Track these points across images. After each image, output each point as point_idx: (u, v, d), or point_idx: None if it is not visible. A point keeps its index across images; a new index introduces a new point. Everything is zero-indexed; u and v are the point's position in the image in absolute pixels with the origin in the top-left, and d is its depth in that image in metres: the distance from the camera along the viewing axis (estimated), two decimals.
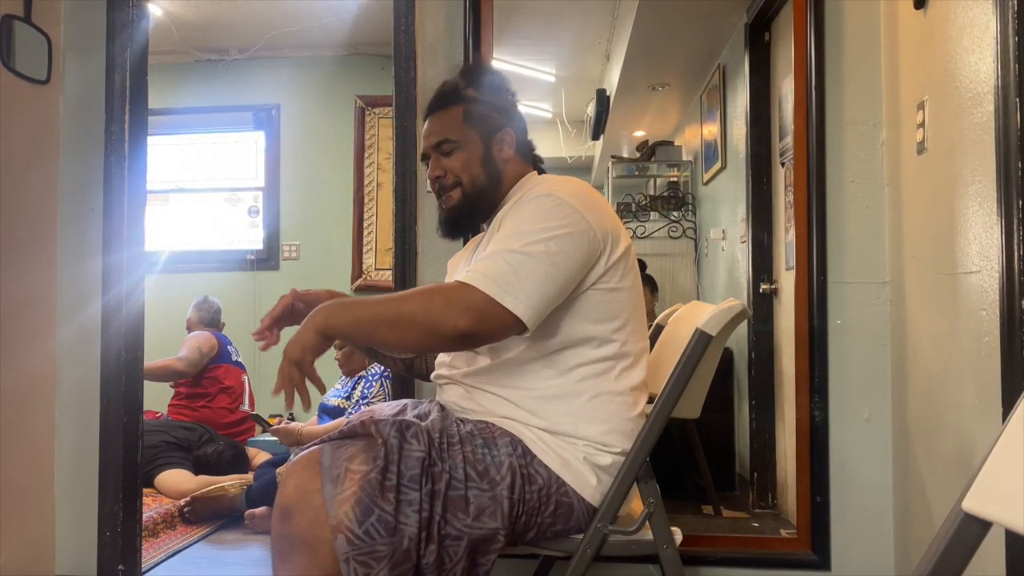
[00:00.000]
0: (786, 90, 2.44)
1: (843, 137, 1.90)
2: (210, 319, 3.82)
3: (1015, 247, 1.28)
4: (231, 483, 2.96)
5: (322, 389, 1.18)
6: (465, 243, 1.75)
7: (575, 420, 1.26)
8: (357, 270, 4.38)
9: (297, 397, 1.11)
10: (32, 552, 1.93)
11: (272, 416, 3.49)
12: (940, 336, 1.59)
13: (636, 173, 4.44)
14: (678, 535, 1.32)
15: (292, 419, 3.42)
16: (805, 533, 1.89)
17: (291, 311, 1.37)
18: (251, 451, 3.46)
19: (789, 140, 2.25)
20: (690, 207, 4.08)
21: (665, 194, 4.24)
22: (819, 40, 1.90)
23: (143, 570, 2.10)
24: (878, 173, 1.89)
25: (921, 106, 1.66)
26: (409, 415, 1.29)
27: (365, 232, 4.40)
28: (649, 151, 4.40)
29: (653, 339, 1.75)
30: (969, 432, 1.46)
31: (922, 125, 1.66)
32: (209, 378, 3.59)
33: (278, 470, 2.70)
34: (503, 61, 2.94)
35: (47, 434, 1.98)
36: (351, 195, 4.39)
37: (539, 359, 1.27)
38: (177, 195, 4.65)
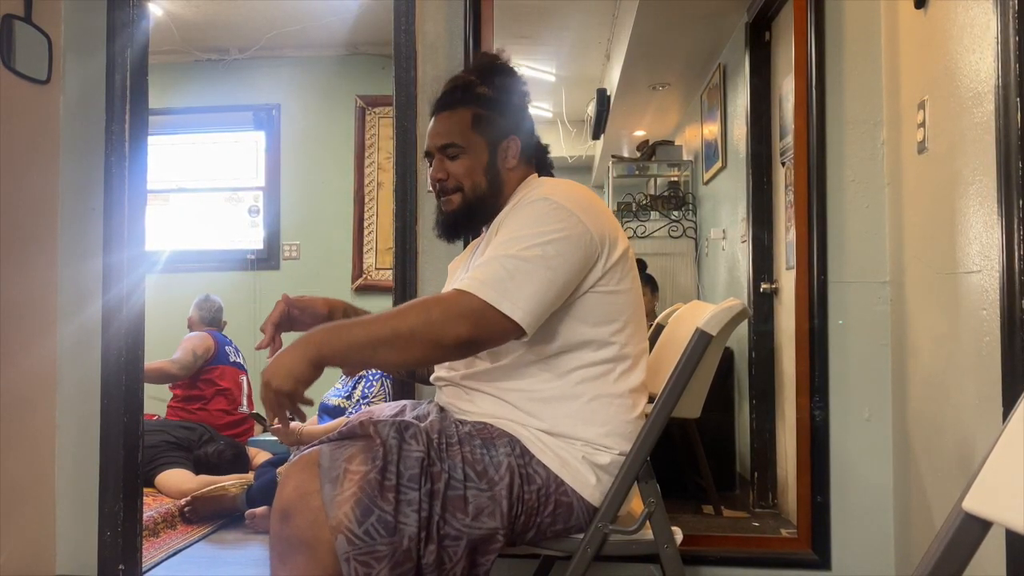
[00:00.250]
0: (786, 89, 2.44)
1: (844, 137, 1.90)
2: (211, 318, 3.81)
3: (1015, 247, 1.28)
4: (232, 483, 2.96)
5: (303, 419, 1.19)
6: (465, 245, 1.75)
7: (574, 422, 1.26)
8: (357, 270, 4.38)
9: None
10: (33, 551, 1.93)
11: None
12: (941, 336, 1.59)
13: (636, 173, 4.45)
14: (678, 535, 1.32)
15: (292, 419, 3.42)
16: (805, 533, 1.89)
17: (288, 316, 1.37)
18: (251, 451, 3.45)
19: (789, 139, 2.25)
20: (690, 207, 4.09)
21: (665, 194, 4.25)
22: (820, 39, 1.90)
23: (143, 570, 2.10)
24: (878, 173, 1.89)
25: (922, 105, 1.66)
26: (408, 416, 1.29)
27: (365, 232, 4.41)
28: (649, 151, 4.40)
29: (653, 339, 1.75)
30: (969, 432, 1.46)
31: (923, 125, 1.66)
32: (205, 380, 3.57)
33: (278, 470, 2.70)
34: None
35: (48, 434, 1.98)
36: (351, 195, 4.40)
37: (538, 362, 1.27)
38: (177, 195, 4.65)
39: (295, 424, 3.03)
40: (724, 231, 3.36)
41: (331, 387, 3.08)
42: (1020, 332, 1.27)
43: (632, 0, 3.09)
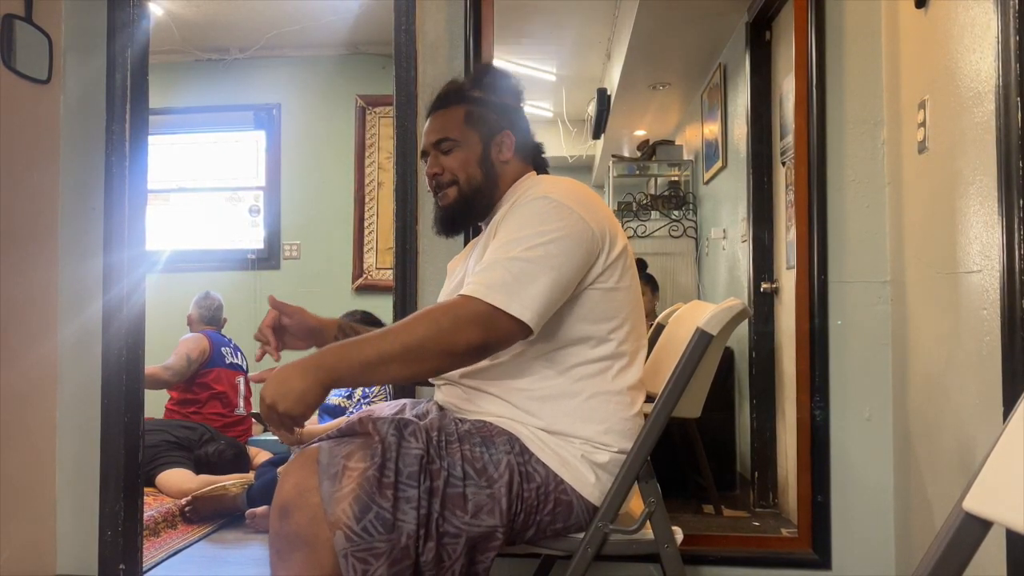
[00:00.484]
0: (787, 89, 2.43)
1: (844, 136, 1.90)
2: (210, 316, 3.80)
3: (1016, 246, 1.28)
4: (232, 482, 2.96)
5: (303, 427, 1.18)
6: (466, 243, 1.75)
7: (572, 419, 1.26)
8: (358, 269, 4.38)
9: None
10: (33, 551, 1.93)
11: None
12: (941, 335, 1.59)
13: (637, 172, 4.44)
14: (679, 534, 1.32)
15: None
16: (806, 532, 1.89)
17: (280, 323, 1.38)
18: (252, 450, 3.45)
19: (790, 139, 2.24)
20: (691, 206, 4.08)
21: (666, 193, 4.24)
22: (820, 39, 1.90)
23: (144, 569, 2.10)
24: (879, 172, 1.89)
25: (922, 105, 1.66)
26: (408, 415, 1.29)
27: (366, 231, 4.41)
28: (650, 150, 4.40)
29: (653, 339, 1.75)
30: (970, 431, 1.45)
31: (923, 124, 1.66)
32: (199, 384, 3.54)
33: (279, 469, 2.70)
34: (504, 60, 2.93)
35: (48, 433, 1.98)
36: (352, 194, 4.40)
37: (537, 359, 1.28)
38: (178, 194, 4.65)
39: None
40: (724, 231, 3.35)
41: None
42: (1020, 332, 1.27)
43: (632, 0, 3.09)
